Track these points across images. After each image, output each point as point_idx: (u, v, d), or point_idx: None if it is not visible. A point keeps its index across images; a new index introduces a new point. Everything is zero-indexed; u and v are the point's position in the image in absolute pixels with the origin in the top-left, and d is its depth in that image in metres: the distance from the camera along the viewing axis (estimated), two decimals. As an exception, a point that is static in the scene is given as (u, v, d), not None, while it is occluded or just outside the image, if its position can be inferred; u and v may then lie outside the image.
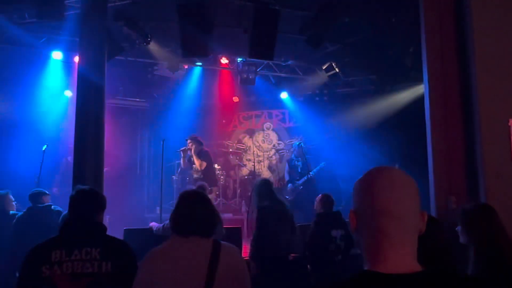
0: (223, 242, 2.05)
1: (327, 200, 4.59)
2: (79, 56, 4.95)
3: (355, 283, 0.98)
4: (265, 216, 4.22)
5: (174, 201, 7.99)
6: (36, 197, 4.37)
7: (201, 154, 7.03)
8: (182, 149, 7.31)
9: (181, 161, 7.42)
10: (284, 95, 9.64)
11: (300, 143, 8.00)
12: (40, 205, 4.29)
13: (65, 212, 4.30)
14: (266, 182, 4.50)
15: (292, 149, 8.38)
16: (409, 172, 1.10)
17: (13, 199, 4.62)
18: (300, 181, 7.62)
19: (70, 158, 6.81)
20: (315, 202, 4.67)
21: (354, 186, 1.10)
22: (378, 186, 1.03)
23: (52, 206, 4.37)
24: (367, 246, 1.03)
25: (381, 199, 1.01)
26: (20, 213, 4.37)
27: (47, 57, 7.40)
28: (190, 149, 7.09)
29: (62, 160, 7.44)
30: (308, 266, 4.52)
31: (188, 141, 7.15)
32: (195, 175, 7.14)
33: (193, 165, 7.15)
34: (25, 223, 4.16)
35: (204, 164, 6.95)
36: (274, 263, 4.21)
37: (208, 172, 7.01)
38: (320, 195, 4.69)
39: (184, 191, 2.19)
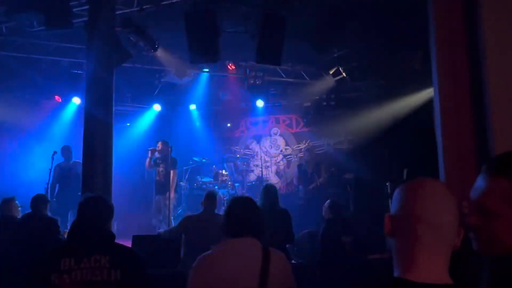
0: (271, 248, 2.12)
1: (335, 206, 4.57)
2: (87, 63, 4.99)
3: None
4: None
5: (182, 207, 8.02)
6: (37, 203, 4.39)
7: (168, 160, 7.24)
8: (150, 149, 7.52)
9: (147, 161, 7.57)
10: (291, 100, 9.62)
11: (309, 148, 8.01)
12: (38, 213, 4.30)
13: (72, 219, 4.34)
14: (264, 188, 4.55)
15: (302, 154, 8.48)
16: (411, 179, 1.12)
17: (20, 205, 4.64)
18: (311, 186, 7.68)
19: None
20: (324, 208, 4.65)
21: (397, 191, 1.11)
22: (421, 194, 1.05)
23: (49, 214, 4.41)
24: (400, 252, 1.05)
25: (421, 207, 1.03)
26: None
27: (55, 65, 7.48)
28: (158, 152, 7.36)
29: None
30: (317, 272, 4.49)
31: (159, 143, 7.42)
32: (157, 178, 7.45)
33: (158, 168, 7.43)
34: (21, 230, 4.16)
35: (173, 171, 7.30)
36: None
37: (170, 179, 7.29)
38: (328, 201, 4.67)
39: (234, 197, 2.52)
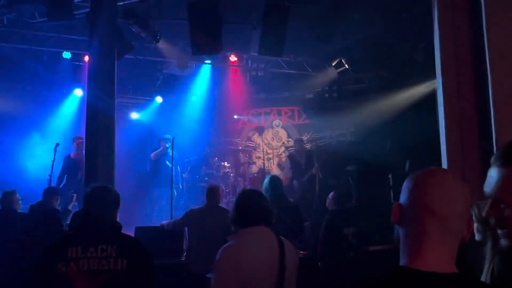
0: (283, 238, 2.22)
1: (339, 197, 4.59)
2: (89, 55, 5.00)
3: (392, 278, 1.00)
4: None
5: (184, 199, 8.03)
6: (49, 195, 4.44)
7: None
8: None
9: (154, 152, 7.61)
10: (293, 92, 9.60)
11: (300, 138, 7.88)
12: (49, 205, 4.35)
13: (76, 209, 4.39)
14: (270, 179, 4.52)
15: (293, 144, 8.26)
16: (422, 169, 1.11)
17: (20, 198, 4.66)
18: (305, 178, 7.43)
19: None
20: (327, 199, 4.67)
21: (406, 180, 1.11)
22: (429, 185, 1.04)
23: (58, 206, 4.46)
24: (407, 241, 1.05)
25: (428, 197, 1.03)
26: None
27: (57, 56, 7.48)
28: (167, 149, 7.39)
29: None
30: (319, 263, 4.53)
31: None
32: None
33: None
34: (30, 222, 4.21)
35: None
36: None
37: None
38: (332, 192, 4.69)
39: (244, 189, 2.51)
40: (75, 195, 5.29)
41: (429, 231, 1.01)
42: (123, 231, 2.24)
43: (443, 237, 1.01)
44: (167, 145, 7.49)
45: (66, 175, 6.81)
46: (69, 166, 6.84)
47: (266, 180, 4.48)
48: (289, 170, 7.78)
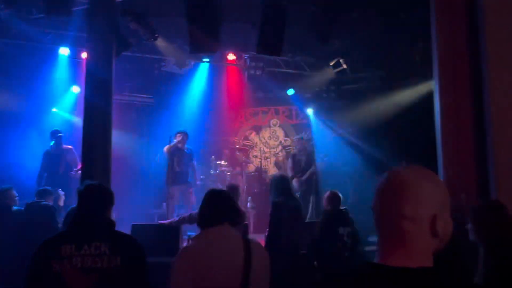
0: (249, 237, 2.20)
1: (334, 197, 4.58)
2: (86, 52, 4.98)
3: (358, 273, 1.03)
4: (279, 211, 4.22)
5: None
6: (44, 195, 4.43)
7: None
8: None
9: (167, 146, 7.16)
10: (291, 92, 9.60)
11: (301, 136, 7.87)
12: (42, 202, 4.34)
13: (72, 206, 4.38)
14: (283, 178, 4.48)
15: (295, 143, 8.16)
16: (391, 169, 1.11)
17: (16, 195, 4.64)
18: (304, 177, 7.44)
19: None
20: (323, 199, 4.67)
21: (376, 183, 1.11)
22: (398, 187, 1.03)
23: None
24: (380, 241, 1.07)
25: (398, 200, 1.02)
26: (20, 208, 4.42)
27: (54, 52, 7.44)
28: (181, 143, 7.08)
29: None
30: (315, 262, 4.53)
31: (181, 134, 7.09)
32: (185, 169, 7.14)
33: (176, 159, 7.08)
34: (25, 219, 4.19)
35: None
36: (285, 259, 4.21)
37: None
38: (328, 192, 4.69)
39: (210, 189, 2.43)
40: (63, 192, 5.25)
41: (399, 232, 1.02)
42: (121, 228, 2.24)
43: (414, 236, 1.01)
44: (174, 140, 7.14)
45: (46, 172, 6.56)
46: (49, 162, 6.59)
47: (277, 178, 4.44)
48: (291, 169, 7.73)
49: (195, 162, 7.34)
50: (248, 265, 2.01)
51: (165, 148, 7.11)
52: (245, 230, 4.76)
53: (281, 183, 4.32)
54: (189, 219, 4.52)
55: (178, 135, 7.05)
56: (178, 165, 7.00)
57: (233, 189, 4.47)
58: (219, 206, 2.19)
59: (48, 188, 4.73)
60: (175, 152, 7.02)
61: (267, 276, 2.14)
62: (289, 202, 4.29)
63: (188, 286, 1.95)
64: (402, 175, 1.05)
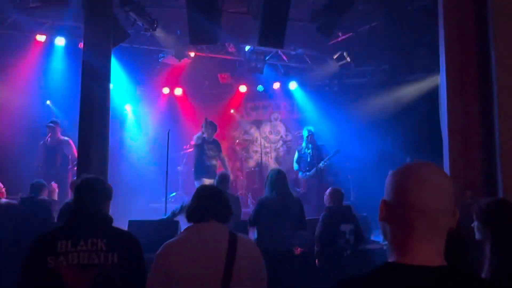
0: (239, 234, 2.16)
1: (337, 194, 4.58)
2: (83, 43, 4.94)
3: (381, 274, 1.04)
4: (260, 208, 4.15)
5: (179, 193, 7.86)
6: (39, 188, 4.41)
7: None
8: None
9: (196, 135, 6.82)
10: (293, 85, 9.58)
11: (310, 129, 7.67)
12: (39, 197, 4.32)
13: (66, 200, 4.37)
14: (278, 173, 4.43)
15: (301, 135, 7.85)
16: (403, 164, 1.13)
17: (3, 186, 4.60)
18: (310, 172, 7.24)
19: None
20: (325, 196, 4.67)
21: (389, 176, 1.13)
22: (414, 182, 1.06)
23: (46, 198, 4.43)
24: (395, 238, 1.08)
25: (415, 195, 1.05)
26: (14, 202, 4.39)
27: (50, 43, 7.39)
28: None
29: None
30: (316, 261, 4.53)
31: (207, 124, 6.74)
32: (214, 162, 6.86)
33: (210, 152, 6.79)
34: (23, 215, 4.18)
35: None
36: (272, 257, 4.17)
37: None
38: (330, 188, 4.68)
39: (201, 185, 2.50)
40: (56, 185, 5.22)
41: (416, 227, 1.04)
42: (118, 223, 2.23)
43: (430, 232, 1.04)
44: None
45: (43, 165, 6.48)
46: (45, 154, 6.51)
47: (272, 173, 4.38)
48: (296, 163, 7.58)
49: (222, 154, 7.08)
50: (231, 260, 2.00)
51: (193, 140, 6.89)
52: (243, 227, 4.70)
53: (275, 179, 4.25)
54: (181, 210, 4.59)
55: (204, 125, 6.75)
56: (207, 158, 6.75)
57: (223, 178, 4.44)
58: (208, 202, 2.20)
59: (41, 180, 4.70)
60: (203, 144, 6.75)
61: (257, 274, 2.11)
62: (275, 199, 4.15)
63: (166, 279, 1.96)
64: (419, 169, 1.08)
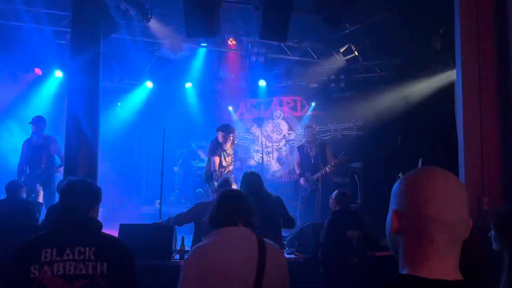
0: (266, 239, 2.25)
1: (343, 197, 4.54)
2: (71, 33, 4.92)
3: (397, 286, 1.03)
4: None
5: (175, 194, 7.83)
6: (14, 189, 4.37)
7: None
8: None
9: (215, 160, 6.47)
10: (296, 81, 9.54)
11: (311, 126, 7.51)
12: (18, 198, 4.29)
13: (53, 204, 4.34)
14: (253, 174, 4.46)
15: (304, 134, 7.51)
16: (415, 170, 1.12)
17: None
18: (315, 176, 6.95)
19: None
20: (330, 199, 4.64)
21: (400, 184, 1.11)
22: (431, 191, 1.05)
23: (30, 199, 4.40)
24: (409, 250, 1.06)
25: (434, 206, 1.04)
26: None
27: (36, 33, 7.35)
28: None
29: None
30: (321, 268, 4.50)
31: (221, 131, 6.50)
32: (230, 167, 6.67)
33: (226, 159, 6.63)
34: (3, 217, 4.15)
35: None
36: None
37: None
38: (336, 191, 4.65)
39: (225, 188, 2.75)
40: (41, 187, 5.19)
41: (436, 241, 1.03)
42: (109, 228, 2.20)
43: (450, 246, 1.04)
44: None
45: (27, 165, 6.36)
46: (30, 153, 6.39)
47: (247, 176, 4.44)
48: (297, 165, 7.30)
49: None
50: (262, 267, 2.09)
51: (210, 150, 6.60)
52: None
53: (250, 182, 4.32)
54: (176, 219, 4.55)
55: (220, 133, 6.51)
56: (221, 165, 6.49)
57: (228, 184, 4.45)
58: (234, 207, 2.31)
59: (17, 180, 4.66)
60: (219, 151, 6.50)
61: (284, 280, 2.21)
62: (253, 202, 4.21)
63: (196, 283, 2.02)
64: (436, 176, 1.07)
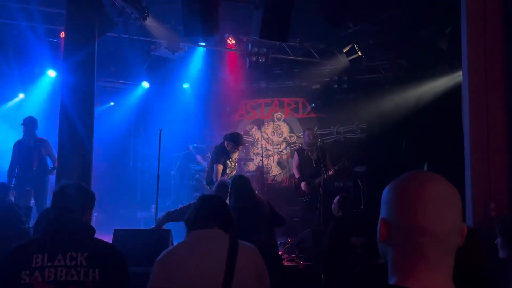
0: (241, 241, 2.29)
1: (347, 202, 4.55)
2: (65, 31, 4.93)
3: None
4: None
5: (172, 199, 7.84)
6: (1, 192, 4.37)
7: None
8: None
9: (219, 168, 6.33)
10: (298, 82, 9.55)
11: (311, 129, 7.51)
12: (5, 201, 4.30)
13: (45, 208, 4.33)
14: (241, 178, 4.51)
15: (305, 136, 7.48)
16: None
17: None
18: (317, 180, 6.94)
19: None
20: (333, 204, 4.64)
21: (388, 191, 1.09)
22: (421, 201, 1.02)
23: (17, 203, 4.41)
24: (398, 262, 1.04)
25: (423, 216, 1.01)
26: None
27: (28, 31, 7.37)
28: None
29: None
30: (322, 276, 4.50)
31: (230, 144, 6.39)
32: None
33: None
34: None
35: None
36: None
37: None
38: (338, 196, 4.65)
39: (203, 194, 2.70)
40: (32, 190, 5.19)
41: (425, 252, 1.01)
42: (103, 233, 2.21)
43: (441, 257, 1.02)
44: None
45: (18, 167, 6.36)
46: (21, 155, 6.37)
47: (236, 180, 4.48)
48: (296, 169, 7.32)
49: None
50: (231, 267, 2.13)
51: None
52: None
53: (239, 186, 4.36)
54: (168, 216, 4.72)
55: (230, 143, 6.36)
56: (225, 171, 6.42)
57: (226, 186, 4.48)
58: (209, 210, 2.37)
59: (3, 182, 4.66)
60: (223, 159, 6.37)
61: (260, 280, 2.26)
62: (244, 206, 4.28)
63: (162, 284, 2.10)
64: (426, 183, 1.04)
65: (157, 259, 2.21)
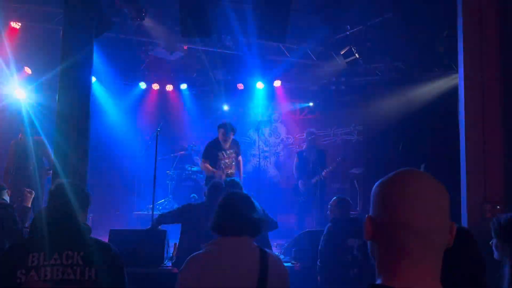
0: (268, 251, 2.19)
1: (343, 204, 4.56)
2: (62, 31, 4.93)
3: None
4: None
5: (168, 199, 7.83)
6: None
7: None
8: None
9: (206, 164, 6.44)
10: (295, 83, 9.56)
11: (312, 131, 7.61)
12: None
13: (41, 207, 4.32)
14: (232, 181, 4.56)
15: (303, 138, 7.70)
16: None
17: None
18: (313, 180, 7.11)
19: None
20: (329, 206, 4.65)
21: (374, 189, 1.09)
22: (403, 196, 1.02)
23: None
24: (383, 259, 1.04)
25: (405, 212, 1.01)
26: None
27: (25, 31, 7.36)
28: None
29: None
30: (318, 277, 4.52)
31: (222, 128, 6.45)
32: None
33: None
34: None
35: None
36: None
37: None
38: (335, 197, 4.67)
39: (231, 192, 2.41)
40: (33, 192, 5.17)
41: (409, 249, 1.00)
42: (99, 234, 2.22)
43: (425, 254, 1.00)
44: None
45: (13, 167, 6.34)
46: (16, 154, 6.36)
47: (226, 183, 4.53)
48: (295, 169, 7.46)
49: (240, 157, 6.80)
50: (264, 280, 2.03)
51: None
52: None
53: (221, 202, 4.40)
54: (164, 217, 4.70)
55: (220, 130, 6.43)
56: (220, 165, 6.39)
57: (219, 188, 4.46)
58: (241, 215, 2.17)
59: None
60: (214, 152, 6.43)
61: None
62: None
63: None
64: (410, 180, 1.04)
65: (182, 269, 2.07)
